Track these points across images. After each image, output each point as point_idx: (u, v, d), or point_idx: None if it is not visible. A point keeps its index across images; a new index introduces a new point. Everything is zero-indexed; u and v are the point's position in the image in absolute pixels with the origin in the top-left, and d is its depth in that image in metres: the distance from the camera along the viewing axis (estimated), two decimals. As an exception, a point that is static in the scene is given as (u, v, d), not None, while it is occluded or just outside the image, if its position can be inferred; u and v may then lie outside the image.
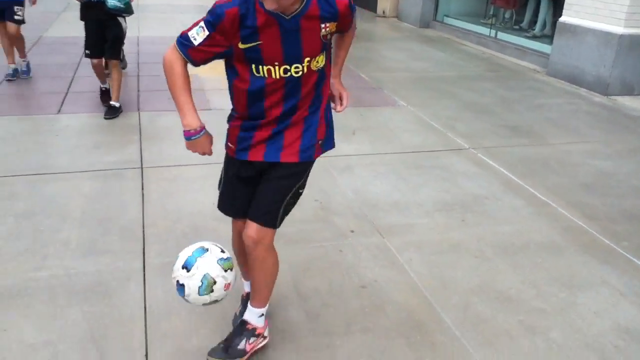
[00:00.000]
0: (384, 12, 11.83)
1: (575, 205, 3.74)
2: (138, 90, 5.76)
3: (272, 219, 2.08)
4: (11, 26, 5.64)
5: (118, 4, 4.74)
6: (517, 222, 3.50)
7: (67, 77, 6.11)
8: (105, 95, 5.22)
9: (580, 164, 4.45)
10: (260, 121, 2.02)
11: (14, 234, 3.07)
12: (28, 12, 5.85)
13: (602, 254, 3.19)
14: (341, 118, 4.72)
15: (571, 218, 3.57)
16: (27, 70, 6.08)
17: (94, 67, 5.06)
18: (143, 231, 3.17)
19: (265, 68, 1.90)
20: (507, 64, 7.98)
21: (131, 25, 9.13)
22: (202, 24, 1.86)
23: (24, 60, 6.04)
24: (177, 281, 2.02)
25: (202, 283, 1.98)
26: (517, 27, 9.14)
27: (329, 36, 1.96)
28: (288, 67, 1.90)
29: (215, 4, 1.86)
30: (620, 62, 6.37)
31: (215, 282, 1.99)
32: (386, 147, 4.59)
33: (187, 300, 2.05)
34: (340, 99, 2.28)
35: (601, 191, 4.00)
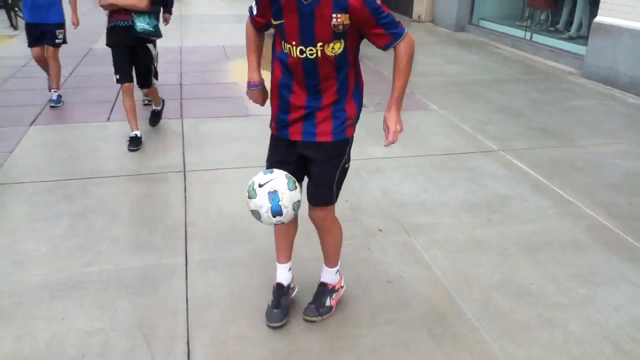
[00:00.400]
0: (419, 17, 11.93)
1: (601, 205, 3.82)
2: (181, 99, 6.06)
3: (328, 199, 2.44)
4: (49, 49, 5.62)
5: (147, 27, 4.46)
6: (541, 221, 3.61)
7: (116, 87, 6.44)
8: (153, 116, 5.22)
9: (609, 165, 4.50)
10: (290, 98, 2.29)
11: (69, 233, 3.36)
12: (80, 25, 6.13)
13: (625, 251, 3.27)
14: (372, 122, 4.94)
15: (595, 217, 3.66)
16: (57, 100, 5.75)
17: (125, 91, 4.64)
18: (185, 230, 3.41)
19: (287, 46, 2.19)
20: (541, 67, 8.00)
21: (174, 35, 9.56)
22: None
23: (55, 91, 5.77)
24: (269, 192, 2.21)
25: (288, 179, 2.23)
26: (552, 28, 9.12)
27: (341, 27, 2.10)
28: (303, 48, 2.16)
29: None
30: (655, 62, 6.34)
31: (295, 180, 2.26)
32: (416, 149, 4.74)
33: (284, 207, 2.22)
34: (387, 131, 2.30)
35: (628, 191, 4.05)
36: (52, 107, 5.64)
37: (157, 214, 3.62)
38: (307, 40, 2.13)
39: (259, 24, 2.33)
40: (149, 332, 2.55)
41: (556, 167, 4.44)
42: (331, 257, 2.67)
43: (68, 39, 5.82)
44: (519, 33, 9.30)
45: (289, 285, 2.71)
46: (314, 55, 2.16)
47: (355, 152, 2.54)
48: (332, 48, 2.16)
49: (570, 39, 8.36)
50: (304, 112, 2.30)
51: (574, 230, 3.50)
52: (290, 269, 2.71)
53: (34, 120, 5.27)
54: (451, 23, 10.84)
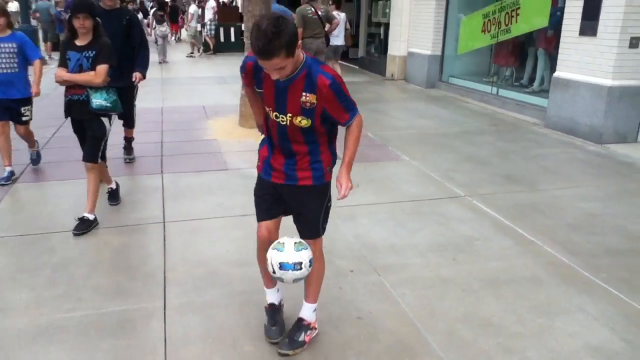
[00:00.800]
0: (392, 75, 12.46)
1: (560, 243, 4.04)
2: (161, 155, 6.27)
3: (316, 232, 2.74)
4: (20, 128, 5.36)
5: (104, 103, 4.21)
6: (504, 259, 3.81)
7: (97, 146, 6.68)
8: (111, 194, 4.82)
9: (569, 207, 4.77)
10: (274, 149, 2.64)
11: (51, 282, 3.47)
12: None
13: (581, 284, 3.48)
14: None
15: (554, 254, 3.88)
16: (37, 159, 5.79)
17: (86, 167, 4.35)
18: (164, 276, 3.55)
19: (267, 109, 2.56)
20: (507, 119, 8.41)
21: (155, 97, 9.87)
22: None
23: (34, 150, 5.75)
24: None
25: (295, 246, 2.54)
26: (517, 83, 9.63)
27: (308, 104, 2.43)
28: (277, 114, 2.52)
29: (246, 55, 2.62)
30: (611, 112, 6.74)
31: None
32: (387, 197, 4.97)
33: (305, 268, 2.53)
34: (340, 187, 2.57)
35: (586, 230, 4.30)
36: (33, 167, 5.80)
37: (137, 262, 3.75)
38: (280, 108, 2.50)
39: (246, 83, 2.70)
40: (129, 370, 2.66)
41: (519, 210, 4.68)
42: (313, 292, 2.86)
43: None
44: (486, 88, 9.79)
45: (280, 302, 2.97)
46: (285, 122, 2.51)
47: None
48: (300, 121, 2.48)
49: (534, 92, 8.84)
50: (284, 162, 2.62)
51: (534, 267, 3.70)
52: (278, 289, 2.95)
53: (17, 178, 5.41)
54: (422, 80, 11.35)
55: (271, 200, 2.74)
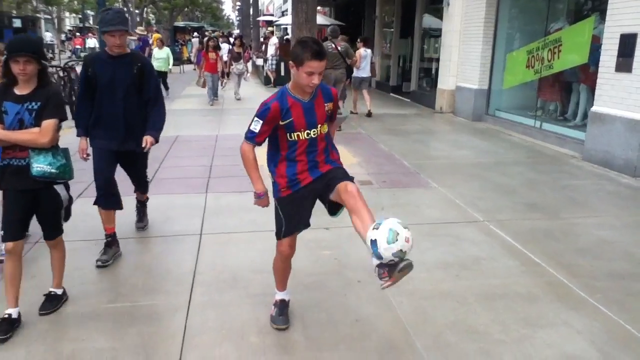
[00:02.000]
0: (441, 108, 12.76)
1: (565, 266, 4.24)
2: (209, 177, 6.85)
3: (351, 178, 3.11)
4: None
5: (48, 169, 3.28)
6: (504, 278, 4.06)
7: (154, 167, 7.34)
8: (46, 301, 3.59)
9: (583, 234, 4.93)
10: (296, 167, 3.10)
11: (98, 279, 4.04)
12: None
13: (574, 302, 3.69)
14: (374, 197, 5.68)
15: (556, 275, 4.09)
16: None
17: (8, 252, 3.29)
18: (193, 278, 4.03)
19: (295, 134, 3.03)
20: (546, 151, 8.54)
21: (212, 126, 10.61)
22: (255, 119, 3.02)
23: None
24: (371, 239, 2.62)
25: (389, 233, 2.60)
26: (561, 117, 9.72)
27: (329, 111, 3.15)
28: (309, 131, 3.05)
29: (262, 104, 3.04)
30: (645, 146, 6.81)
31: (398, 234, 2.60)
32: (408, 219, 5.23)
33: (380, 255, 2.60)
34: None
35: (593, 255, 4.46)
36: None
37: (172, 266, 4.25)
38: (312, 124, 3.05)
39: (261, 140, 3.05)
40: (151, 351, 3.12)
41: (533, 235, 4.89)
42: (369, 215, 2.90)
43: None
44: (530, 122, 9.93)
45: (288, 299, 3.46)
46: (316, 134, 3.07)
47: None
48: (324, 127, 3.12)
49: (576, 126, 8.92)
50: (307, 167, 3.12)
51: (532, 285, 3.93)
52: (287, 292, 3.48)
53: (81, 194, 6.09)
54: (469, 114, 11.59)
55: (305, 211, 3.21)
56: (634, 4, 6.87)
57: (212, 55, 14.22)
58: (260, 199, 3.25)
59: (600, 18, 8.07)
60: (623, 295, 3.81)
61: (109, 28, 3.98)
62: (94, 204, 4.36)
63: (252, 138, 3.03)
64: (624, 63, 7.08)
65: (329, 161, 3.19)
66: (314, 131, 3.06)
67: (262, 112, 3.00)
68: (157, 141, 4.37)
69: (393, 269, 2.67)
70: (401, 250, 2.61)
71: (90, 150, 4.31)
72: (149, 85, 4.33)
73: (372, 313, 3.53)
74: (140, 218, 5.12)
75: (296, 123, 3.01)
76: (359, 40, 12.34)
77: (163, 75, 14.81)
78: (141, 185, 4.93)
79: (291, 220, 3.21)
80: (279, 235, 3.27)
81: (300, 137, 3.05)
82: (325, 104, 3.10)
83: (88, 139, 4.30)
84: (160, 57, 15.03)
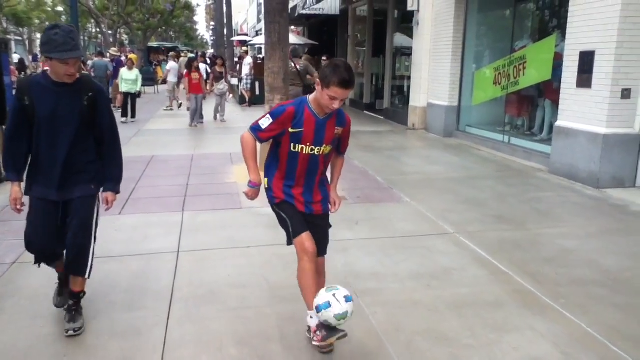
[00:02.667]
0: (413, 125, 13.04)
1: (530, 274, 4.43)
2: (185, 196, 6.93)
3: (326, 250, 3.42)
4: None
5: None
6: (474, 286, 4.22)
7: (130, 187, 7.40)
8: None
9: (548, 243, 5.14)
10: (293, 181, 3.19)
11: (77, 296, 4.08)
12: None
13: (539, 308, 3.86)
14: (349, 212, 5.83)
15: (522, 283, 4.27)
16: None
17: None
18: (172, 294, 4.11)
19: (299, 146, 3.10)
20: (514, 165, 8.82)
21: (188, 145, 10.68)
22: (267, 115, 3.09)
23: None
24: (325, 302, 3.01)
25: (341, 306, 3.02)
26: (528, 132, 10.04)
27: (337, 135, 3.20)
28: (313, 147, 3.13)
29: (278, 106, 3.14)
30: (607, 159, 7.10)
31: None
32: (380, 233, 5.45)
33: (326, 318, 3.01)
34: (334, 204, 3.41)
35: (558, 263, 4.66)
36: None
37: (150, 283, 4.32)
38: (318, 141, 3.12)
39: (264, 137, 3.11)
40: (131, 365, 3.20)
41: (501, 246, 5.08)
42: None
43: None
44: (498, 137, 10.24)
45: None
46: (319, 152, 3.16)
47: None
48: (328, 148, 3.19)
49: (542, 140, 9.24)
50: (302, 191, 3.24)
51: (500, 293, 4.10)
52: None
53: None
54: (440, 130, 11.88)
55: (302, 216, 3.26)
56: (592, 23, 7.22)
57: (195, 75, 13.89)
58: (253, 188, 3.23)
59: (561, 36, 8.42)
60: (585, 299, 4.00)
61: (62, 55, 3.12)
62: (34, 264, 3.63)
63: (256, 131, 3.09)
64: (584, 79, 7.40)
65: (324, 202, 3.32)
66: (318, 148, 3.13)
67: (276, 111, 3.07)
68: (119, 192, 3.63)
69: (332, 333, 3.06)
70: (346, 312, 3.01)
71: (26, 200, 3.45)
72: (103, 121, 3.45)
73: (347, 323, 3.65)
74: (72, 317, 3.53)
75: (305, 135, 3.08)
76: (324, 57, 12.67)
77: (132, 97, 14.82)
78: (79, 253, 3.44)
79: (295, 217, 3.24)
80: (292, 235, 3.23)
81: (304, 151, 3.12)
82: (336, 127, 3.16)
83: (22, 184, 3.45)
84: (129, 78, 14.88)
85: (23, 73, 17.51)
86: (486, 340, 3.44)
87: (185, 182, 7.69)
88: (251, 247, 5.02)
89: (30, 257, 3.65)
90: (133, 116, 14.97)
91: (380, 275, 4.43)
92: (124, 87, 14.79)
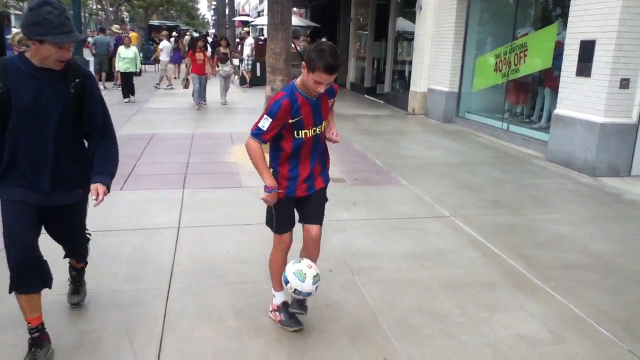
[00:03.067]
0: (413, 110, 13.09)
1: (523, 257, 4.53)
2: (185, 174, 7.00)
3: (322, 220, 3.38)
4: None
5: None
6: (467, 267, 4.33)
7: (131, 164, 7.47)
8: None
9: (542, 229, 5.24)
10: (298, 163, 3.19)
11: (79, 268, 4.18)
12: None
13: (530, 289, 3.97)
14: (347, 193, 5.91)
15: (514, 265, 4.37)
16: None
17: None
18: (172, 269, 4.20)
19: (302, 132, 3.10)
20: (512, 152, 8.90)
21: (189, 125, 10.74)
22: (265, 117, 3.03)
23: None
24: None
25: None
26: (527, 120, 10.10)
27: (331, 105, 3.26)
28: (315, 128, 3.15)
29: (272, 100, 3.06)
30: (603, 147, 7.19)
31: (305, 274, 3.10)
32: (378, 214, 5.54)
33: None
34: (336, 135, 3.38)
35: (550, 247, 4.77)
36: None
37: (151, 257, 4.41)
38: (318, 121, 3.14)
39: (268, 138, 3.07)
40: (132, 333, 3.30)
41: (496, 230, 5.18)
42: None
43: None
44: (497, 124, 10.30)
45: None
46: (321, 130, 3.19)
47: (326, 214, 3.42)
48: (325, 123, 3.23)
49: (540, 128, 9.31)
50: (307, 175, 3.24)
51: (493, 274, 4.21)
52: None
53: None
54: (440, 115, 11.93)
55: (293, 214, 3.35)
56: (593, 12, 7.25)
57: (199, 55, 13.36)
58: (270, 192, 3.13)
59: (563, 24, 8.45)
60: (575, 283, 4.10)
61: (61, 39, 2.68)
62: (9, 291, 2.93)
63: (259, 135, 3.03)
64: (583, 68, 7.46)
65: (324, 173, 3.35)
66: (319, 127, 3.16)
67: (272, 109, 3.00)
68: (109, 190, 3.07)
69: (290, 322, 3.37)
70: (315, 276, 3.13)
71: None
72: (93, 110, 3.01)
73: (342, 299, 3.76)
74: (75, 289, 3.60)
75: (305, 121, 3.07)
76: (322, 39, 12.66)
77: (129, 76, 14.21)
78: (77, 248, 3.46)
79: (280, 220, 3.30)
80: (274, 230, 3.34)
81: (308, 135, 3.12)
82: (329, 100, 3.21)
83: None
84: (127, 56, 14.17)
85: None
86: (477, 318, 3.55)
87: (186, 161, 7.75)
88: (251, 225, 5.10)
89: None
90: (132, 94, 14.31)
91: (376, 254, 4.53)
92: (121, 67, 14.16)
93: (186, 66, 14.57)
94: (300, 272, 3.08)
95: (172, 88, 17.69)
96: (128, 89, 14.17)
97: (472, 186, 6.71)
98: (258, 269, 4.18)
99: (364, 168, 7.54)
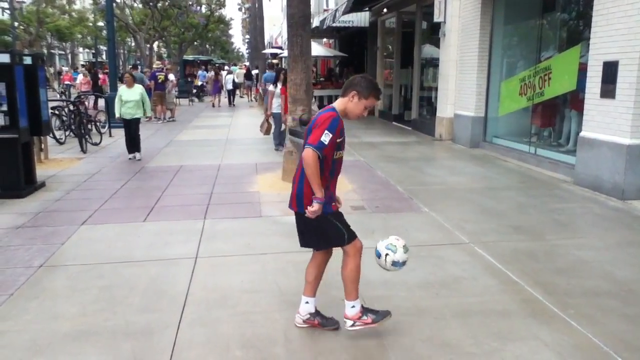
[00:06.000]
0: (440, 135, 13.02)
1: (541, 284, 4.41)
2: (208, 204, 7.11)
3: None
4: None
5: None
6: (482, 296, 4.24)
7: (156, 196, 7.63)
8: None
9: (564, 254, 5.10)
10: (329, 186, 3.47)
11: (95, 299, 4.26)
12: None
13: (546, 318, 3.86)
14: (366, 221, 5.94)
15: (532, 292, 4.26)
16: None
17: None
18: (186, 298, 4.25)
19: (339, 152, 3.42)
20: (539, 176, 8.73)
21: (215, 156, 10.91)
22: (326, 132, 3.25)
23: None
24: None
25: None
26: (555, 143, 9.93)
27: None
28: (342, 151, 3.47)
29: (330, 119, 3.28)
30: (631, 169, 6.99)
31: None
32: (396, 242, 5.48)
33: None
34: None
35: (571, 274, 4.63)
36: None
37: (167, 287, 4.47)
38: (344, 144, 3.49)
39: (327, 152, 3.30)
40: (141, 364, 3.34)
41: (514, 256, 5.07)
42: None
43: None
44: (524, 147, 10.15)
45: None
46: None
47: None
48: None
49: (567, 151, 9.13)
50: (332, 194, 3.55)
51: (509, 302, 4.11)
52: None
53: (85, 221, 6.38)
54: (467, 140, 11.83)
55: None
56: (615, 33, 7.15)
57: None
58: (321, 204, 3.34)
59: (587, 46, 8.33)
60: (595, 310, 3.97)
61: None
62: None
63: (321, 149, 3.25)
64: (607, 89, 7.32)
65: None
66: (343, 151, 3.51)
67: (332, 125, 3.27)
68: None
69: (378, 317, 3.57)
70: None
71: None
72: None
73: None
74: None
75: (344, 142, 3.42)
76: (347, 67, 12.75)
77: (134, 125, 10.60)
78: None
79: (348, 227, 3.57)
80: (348, 240, 3.56)
81: (341, 156, 3.47)
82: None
83: None
84: (130, 99, 10.50)
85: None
86: (488, 348, 3.46)
87: (210, 191, 7.87)
88: (267, 254, 5.13)
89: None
90: (137, 149, 10.70)
91: (390, 283, 4.48)
92: (123, 112, 10.52)
93: (265, 107, 12.15)
94: (391, 244, 3.52)
95: (174, 120, 18.46)
96: (132, 142, 10.68)
97: (495, 212, 6.60)
98: (270, 299, 4.19)
99: (385, 195, 7.51)
